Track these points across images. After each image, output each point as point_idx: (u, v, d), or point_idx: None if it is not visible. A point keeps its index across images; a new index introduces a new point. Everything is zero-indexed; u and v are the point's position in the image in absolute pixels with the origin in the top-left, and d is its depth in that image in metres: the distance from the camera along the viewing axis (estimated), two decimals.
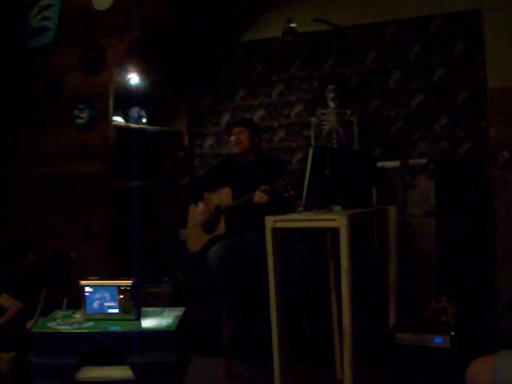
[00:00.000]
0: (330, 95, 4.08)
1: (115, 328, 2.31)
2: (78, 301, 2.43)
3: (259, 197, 3.18)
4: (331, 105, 4.09)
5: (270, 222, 2.64)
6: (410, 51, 4.16)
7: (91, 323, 2.35)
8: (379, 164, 3.74)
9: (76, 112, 3.95)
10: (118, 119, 4.35)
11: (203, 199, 3.56)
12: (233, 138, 3.53)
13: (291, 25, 3.93)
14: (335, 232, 2.54)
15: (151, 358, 2.22)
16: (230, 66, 4.76)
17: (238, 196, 3.37)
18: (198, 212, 3.52)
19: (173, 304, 3.64)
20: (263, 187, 3.17)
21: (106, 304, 2.38)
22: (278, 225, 2.64)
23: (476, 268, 3.74)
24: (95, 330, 2.29)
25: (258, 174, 3.40)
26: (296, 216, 2.73)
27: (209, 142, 4.87)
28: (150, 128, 4.61)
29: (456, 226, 3.66)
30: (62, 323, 2.36)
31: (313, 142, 4.15)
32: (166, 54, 4.29)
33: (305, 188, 2.63)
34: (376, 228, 3.73)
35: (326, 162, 2.73)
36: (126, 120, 4.47)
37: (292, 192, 3.00)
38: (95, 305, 2.39)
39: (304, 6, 4.30)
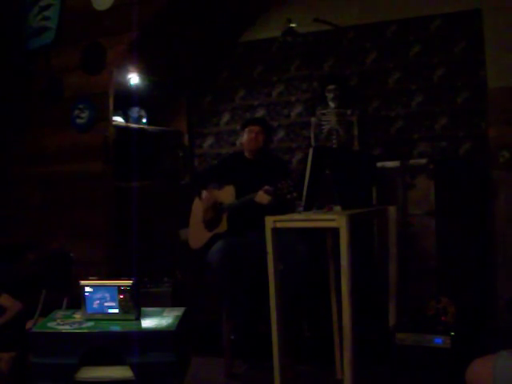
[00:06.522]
0: (330, 95, 4.08)
1: (115, 328, 2.31)
2: (78, 301, 2.43)
3: (261, 197, 3.19)
4: (331, 105, 4.09)
5: (270, 222, 2.65)
6: (410, 51, 4.16)
7: (91, 323, 2.35)
8: (379, 164, 3.75)
9: (76, 112, 3.95)
10: (118, 119, 4.34)
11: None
12: (251, 134, 3.52)
13: (291, 25, 3.93)
14: (335, 232, 2.54)
15: (151, 358, 2.22)
16: (229, 65, 4.76)
17: (242, 194, 3.37)
18: (202, 198, 3.53)
19: (173, 304, 3.64)
20: (266, 187, 3.17)
21: (105, 304, 2.38)
22: (278, 225, 2.65)
23: (476, 268, 3.74)
24: (95, 330, 2.29)
25: (262, 174, 3.40)
26: (296, 216, 2.74)
27: (209, 141, 4.87)
28: (150, 128, 4.61)
29: (456, 226, 3.66)
30: (62, 323, 2.36)
31: (313, 142, 4.15)
32: (165, 53, 4.28)
33: (305, 188, 2.64)
34: (376, 228, 3.73)
35: (326, 161, 2.73)
36: (126, 120, 4.47)
37: (295, 194, 3.00)
38: (95, 305, 2.39)
39: (304, 6, 4.30)
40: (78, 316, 2.43)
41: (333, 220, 2.48)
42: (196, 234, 3.59)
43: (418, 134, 4.14)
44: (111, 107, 3.88)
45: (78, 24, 3.97)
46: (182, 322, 2.37)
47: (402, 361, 2.70)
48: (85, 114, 3.93)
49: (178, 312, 2.47)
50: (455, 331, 2.63)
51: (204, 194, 3.54)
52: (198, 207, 3.64)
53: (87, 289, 2.39)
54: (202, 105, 4.87)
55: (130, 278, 2.38)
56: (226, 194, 3.48)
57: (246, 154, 3.58)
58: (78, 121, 3.96)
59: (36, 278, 3.17)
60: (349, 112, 4.07)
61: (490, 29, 3.84)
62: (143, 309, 2.45)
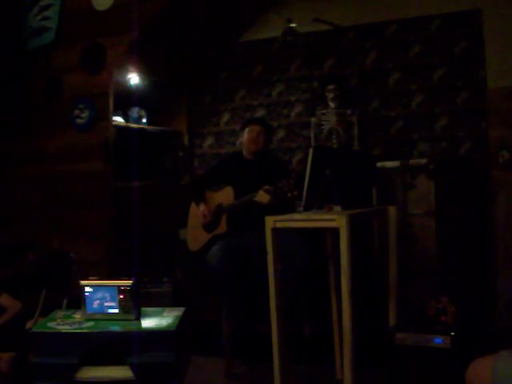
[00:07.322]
0: (330, 95, 4.08)
1: (115, 328, 2.31)
2: (77, 301, 2.43)
3: (262, 196, 3.19)
4: (331, 105, 4.08)
5: (270, 222, 2.65)
6: (410, 51, 4.16)
7: (91, 323, 2.35)
8: (379, 164, 3.74)
9: (76, 112, 3.95)
10: (118, 119, 4.34)
11: (205, 199, 3.56)
12: (252, 134, 3.50)
13: (291, 25, 3.93)
14: (335, 232, 2.54)
15: (151, 358, 2.22)
16: (229, 65, 4.76)
17: (241, 195, 3.37)
18: (198, 213, 3.53)
19: (173, 304, 3.64)
20: (266, 187, 3.17)
21: (105, 304, 2.38)
22: (278, 225, 2.65)
23: (476, 268, 3.74)
24: (95, 330, 2.29)
25: (260, 174, 3.40)
26: (296, 216, 2.74)
27: (209, 141, 4.87)
28: (150, 128, 4.61)
29: (456, 226, 3.66)
30: (62, 323, 2.36)
31: (313, 142, 4.15)
32: (166, 54, 4.29)
33: (305, 188, 2.64)
34: (376, 228, 3.73)
35: (326, 161, 2.73)
36: (126, 120, 4.47)
37: (295, 193, 2.99)
38: (95, 305, 2.39)
39: (304, 6, 4.30)
40: (78, 316, 2.43)
41: (333, 220, 2.48)
42: (195, 236, 3.58)
43: (418, 134, 4.14)
44: (111, 107, 3.89)
45: (78, 24, 3.97)
46: (182, 321, 2.37)
47: (402, 361, 2.70)
48: (85, 114, 3.93)
49: (177, 312, 2.47)
50: (455, 331, 2.62)
51: (201, 208, 3.52)
52: (196, 210, 3.63)
53: (87, 289, 2.39)
54: (202, 105, 4.86)
55: (130, 278, 2.38)
56: (225, 195, 3.48)
57: (245, 154, 3.58)
58: (78, 121, 3.96)
59: (36, 277, 3.17)
60: (349, 112, 4.07)
61: (490, 29, 3.84)
62: (143, 309, 2.45)
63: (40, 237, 3.94)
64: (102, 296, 2.38)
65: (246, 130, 3.53)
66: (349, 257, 2.40)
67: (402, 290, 3.09)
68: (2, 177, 4.19)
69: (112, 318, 2.37)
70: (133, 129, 4.40)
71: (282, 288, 2.72)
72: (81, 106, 3.94)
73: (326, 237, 3.21)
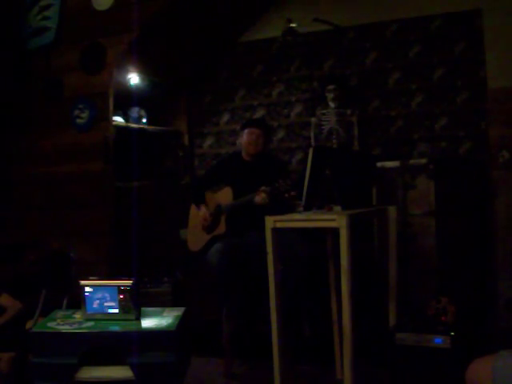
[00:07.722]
0: (330, 95, 4.08)
1: (115, 328, 2.31)
2: (78, 301, 2.43)
3: (260, 197, 3.19)
4: (331, 105, 4.09)
5: (270, 222, 2.65)
6: (410, 51, 4.16)
7: (91, 323, 2.35)
8: (379, 164, 3.75)
9: (76, 112, 3.96)
10: (118, 119, 4.34)
11: (205, 201, 3.57)
12: (251, 137, 3.50)
13: (291, 25, 3.93)
14: (335, 232, 2.54)
15: (151, 358, 2.22)
16: (229, 66, 4.76)
17: (239, 195, 3.37)
18: (199, 215, 3.53)
19: (173, 304, 3.64)
20: (264, 188, 3.17)
21: (105, 304, 2.38)
22: (278, 225, 2.65)
23: (476, 268, 3.74)
24: (95, 330, 2.29)
25: (259, 175, 3.40)
26: (296, 216, 2.74)
27: (209, 141, 4.87)
28: (150, 128, 4.61)
29: (456, 226, 3.66)
30: (62, 323, 2.36)
31: (313, 142, 4.15)
32: (165, 53, 4.29)
33: (305, 188, 2.64)
34: (376, 228, 3.73)
35: (326, 161, 2.73)
36: (126, 120, 4.47)
37: (292, 193, 3.00)
38: (95, 305, 2.39)
39: (304, 6, 4.30)
40: (78, 316, 2.43)
41: (333, 220, 2.48)
42: (195, 236, 3.59)
43: (418, 134, 4.14)
44: (111, 107, 3.89)
45: (78, 24, 3.97)
46: (182, 322, 2.37)
47: (402, 361, 2.70)
48: (85, 114, 3.93)
49: (177, 312, 2.47)
50: (455, 331, 2.62)
51: (202, 212, 3.52)
52: (196, 211, 3.64)
53: (87, 289, 2.39)
54: (202, 105, 4.86)
55: (130, 278, 2.38)
56: (224, 196, 3.48)
57: (244, 155, 3.57)
58: (78, 121, 3.96)
59: (36, 277, 3.17)
60: (349, 112, 4.07)
61: (490, 29, 3.84)
62: (143, 309, 2.45)
63: (40, 237, 3.94)
64: (101, 296, 2.38)
65: (245, 131, 3.52)
66: (349, 257, 2.41)
67: (402, 290, 3.09)
68: (2, 177, 4.19)
69: (112, 318, 2.37)
70: (133, 129, 4.40)
71: (282, 288, 2.72)
72: (81, 106, 3.94)
73: (326, 237, 3.21)
